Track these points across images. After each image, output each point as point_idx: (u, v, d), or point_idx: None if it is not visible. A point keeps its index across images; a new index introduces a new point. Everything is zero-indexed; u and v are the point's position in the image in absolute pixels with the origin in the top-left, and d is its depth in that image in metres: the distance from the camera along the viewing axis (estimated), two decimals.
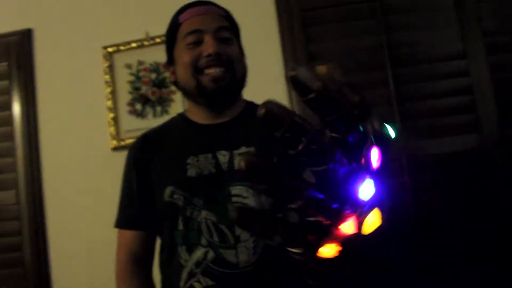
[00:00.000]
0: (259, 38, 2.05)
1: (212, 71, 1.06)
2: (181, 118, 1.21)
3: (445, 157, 1.91)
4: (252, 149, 1.07)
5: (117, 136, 2.19)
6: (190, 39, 1.09)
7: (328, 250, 0.32)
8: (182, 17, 1.13)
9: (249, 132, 1.10)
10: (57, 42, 2.31)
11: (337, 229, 0.31)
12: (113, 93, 2.22)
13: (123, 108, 2.21)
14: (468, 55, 1.97)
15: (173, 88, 2.13)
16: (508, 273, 1.77)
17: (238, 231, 1.01)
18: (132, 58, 2.22)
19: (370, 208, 0.31)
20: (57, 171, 2.25)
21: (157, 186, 1.09)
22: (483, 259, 1.78)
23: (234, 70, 1.09)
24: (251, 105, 1.20)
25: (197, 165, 1.06)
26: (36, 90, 2.30)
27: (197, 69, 1.07)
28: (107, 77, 2.22)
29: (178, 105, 2.16)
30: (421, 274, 1.78)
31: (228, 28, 1.12)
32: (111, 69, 2.23)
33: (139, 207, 1.14)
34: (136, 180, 1.14)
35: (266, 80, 1.97)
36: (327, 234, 0.32)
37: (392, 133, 0.35)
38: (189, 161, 1.07)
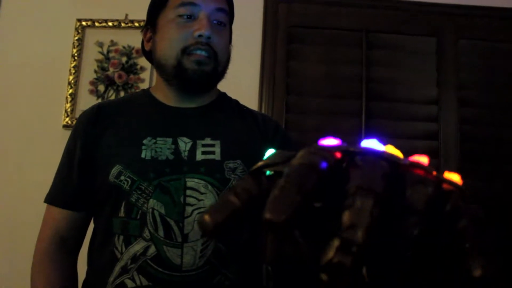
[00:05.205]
0: (241, 42, 1.91)
1: (198, 54, 0.94)
2: (145, 94, 1.07)
3: None
4: (217, 142, 0.95)
5: (71, 113, 1.96)
6: (183, 11, 0.96)
7: None
8: None
9: (217, 124, 1.00)
10: (29, 3, 2.07)
11: None
12: (77, 68, 2.00)
13: (84, 86, 2.00)
14: (441, 103, 1.94)
15: (142, 76, 1.97)
16: None
17: (187, 228, 0.88)
18: (106, 36, 2.02)
19: None
20: None
21: (103, 163, 0.94)
22: None
23: (218, 61, 0.98)
24: (223, 96, 1.10)
25: (153, 148, 0.93)
26: None
27: (184, 50, 0.95)
28: (74, 50, 2.01)
29: None
30: None
31: (226, 12, 1.01)
32: (80, 43, 2.02)
33: (77, 185, 0.97)
34: (80, 153, 0.97)
35: (240, 85, 1.82)
36: None
37: None
38: (145, 141, 0.94)
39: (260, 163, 0.28)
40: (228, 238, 0.87)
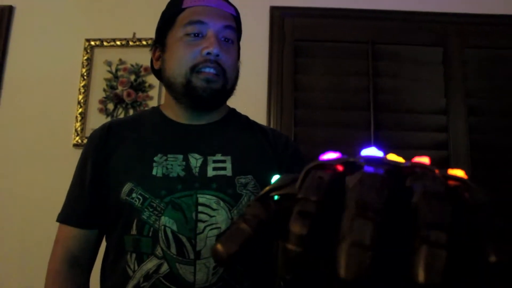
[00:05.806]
0: (248, 58, 1.92)
1: (207, 71, 0.93)
2: (155, 112, 1.06)
3: None
4: (228, 158, 0.94)
5: (81, 132, 1.97)
6: (191, 29, 0.95)
7: None
8: (187, 2, 0.98)
9: (227, 140, 0.99)
10: (38, 24, 2.11)
11: None
12: (87, 87, 2.02)
13: (94, 105, 2.01)
14: (449, 112, 1.92)
15: (150, 93, 1.98)
16: None
17: (200, 245, 0.86)
18: (114, 55, 2.04)
19: None
20: (8, 156, 1.99)
21: (115, 181, 0.93)
22: None
23: (227, 79, 0.96)
24: (233, 112, 1.09)
25: (164, 165, 0.92)
26: (4, 69, 2.07)
27: (193, 68, 0.94)
28: (83, 70, 2.03)
29: None
30: None
31: (234, 29, 1.00)
32: (89, 62, 2.04)
33: (89, 203, 0.96)
34: (92, 171, 0.96)
35: (248, 99, 1.81)
36: None
37: None
38: (156, 159, 0.92)
39: (266, 188, 0.28)
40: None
